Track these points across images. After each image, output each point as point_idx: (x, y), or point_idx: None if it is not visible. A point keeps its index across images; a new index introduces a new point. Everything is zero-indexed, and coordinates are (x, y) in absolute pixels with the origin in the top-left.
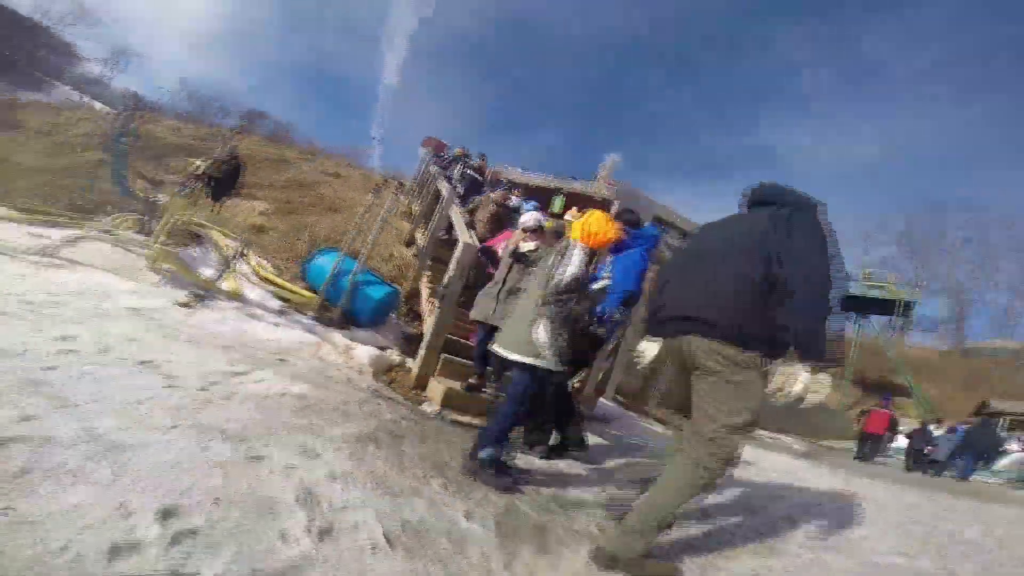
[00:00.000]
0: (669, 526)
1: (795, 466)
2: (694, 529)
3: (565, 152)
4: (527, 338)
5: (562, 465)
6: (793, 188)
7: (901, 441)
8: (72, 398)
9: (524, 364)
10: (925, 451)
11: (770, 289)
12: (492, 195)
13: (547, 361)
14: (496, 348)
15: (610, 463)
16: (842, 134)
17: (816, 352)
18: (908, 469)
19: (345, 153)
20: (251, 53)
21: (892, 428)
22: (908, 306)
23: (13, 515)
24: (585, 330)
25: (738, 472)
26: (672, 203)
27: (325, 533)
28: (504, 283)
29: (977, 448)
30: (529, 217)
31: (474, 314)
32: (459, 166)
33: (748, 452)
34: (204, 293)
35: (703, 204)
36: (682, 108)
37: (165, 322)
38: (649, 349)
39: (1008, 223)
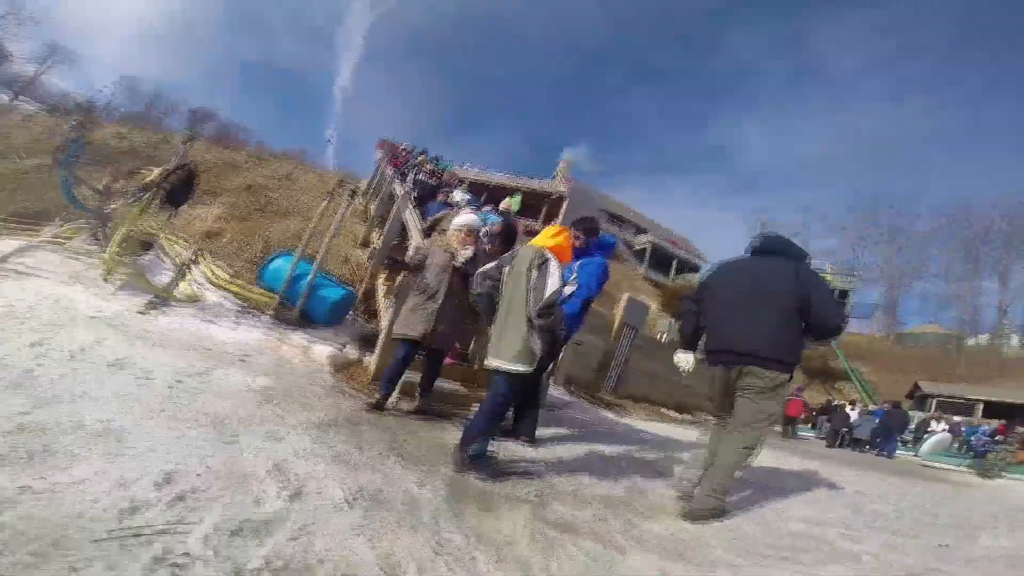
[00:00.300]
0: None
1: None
2: (622, 493)
3: (524, 150)
4: (526, 348)
5: (510, 444)
6: (791, 240)
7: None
8: (59, 396)
9: (518, 372)
10: (842, 431)
11: (801, 323)
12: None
13: (534, 366)
14: (494, 362)
15: (556, 445)
16: (788, 132)
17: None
18: (829, 446)
19: (298, 154)
20: (198, 52)
21: (807, 410)
22: (844, 294)
23: (30, 492)
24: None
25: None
26: (626, 199)
27: (295, 496)
28: (444, 298)
29: (892, 428)
30: (466, 221)
31: (404, 331)
32: (412, 172)
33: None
34: (161, 299)
35: (656, 199)
36: (638, 107)
37: (128, 327)
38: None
39: (937, 214)
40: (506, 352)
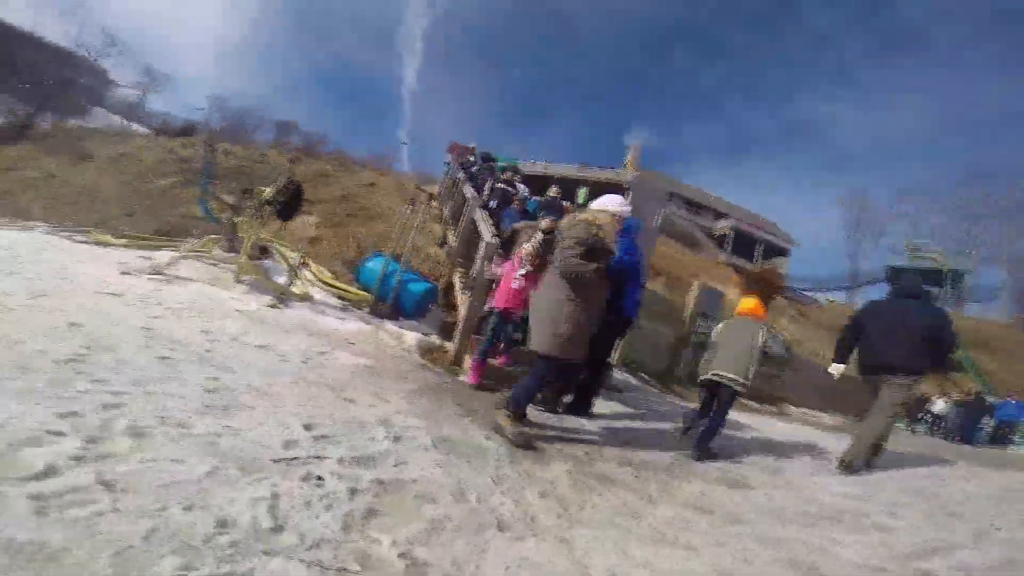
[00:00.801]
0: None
1: (801, 432)
2: (667, 460)
3: (592, 141)
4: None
5: (570, 418)
6: (928, 289)
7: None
8: (231, 368)
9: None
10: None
11: (931, 347)
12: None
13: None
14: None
15: (614, 420)
16: (882, 105)
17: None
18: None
19: (377, 161)
20: (273, 64)
21: None
22: (958, 277)
23: (229, 431)
24: None
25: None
26: (705, 183)
27: (397, 439)
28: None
29: (972, 418)
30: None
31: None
32: (490, 181)
33: (756, 420)
34: (282, 297)
35: (740, 182)
36: (711, 87)
37: (264, 319)
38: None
39: None
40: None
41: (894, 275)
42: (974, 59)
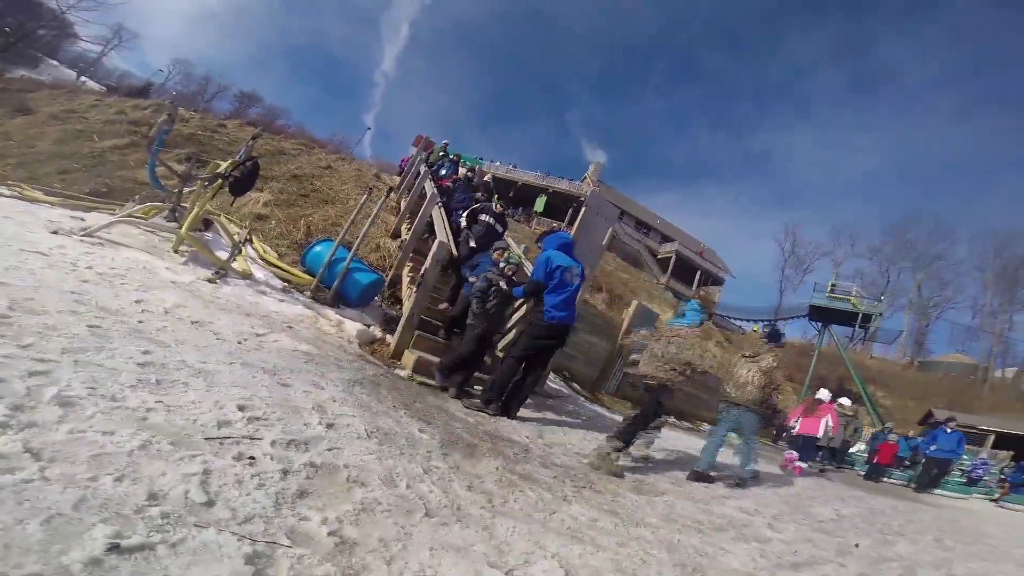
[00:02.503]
0: None
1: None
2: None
3: (558, 148)
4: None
5: (503, 419)
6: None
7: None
8: (164, 343)
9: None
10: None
11: None
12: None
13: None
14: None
15: (543, 425)
16: (840, 144)
17: None
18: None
19: (338, 144)
20: (250, 33)
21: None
22: (868, 319)
23: (163, 406)
24: None
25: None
26: (659, 204)
27: (330, 426)
28: None
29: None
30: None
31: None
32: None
33: (672, 435)
34: (222, 272)
35: (691, 205)
36: (681, 108)
37: (201, 293)
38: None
39: (976, 242)
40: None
41: (813, 312)
42: (938, 105)
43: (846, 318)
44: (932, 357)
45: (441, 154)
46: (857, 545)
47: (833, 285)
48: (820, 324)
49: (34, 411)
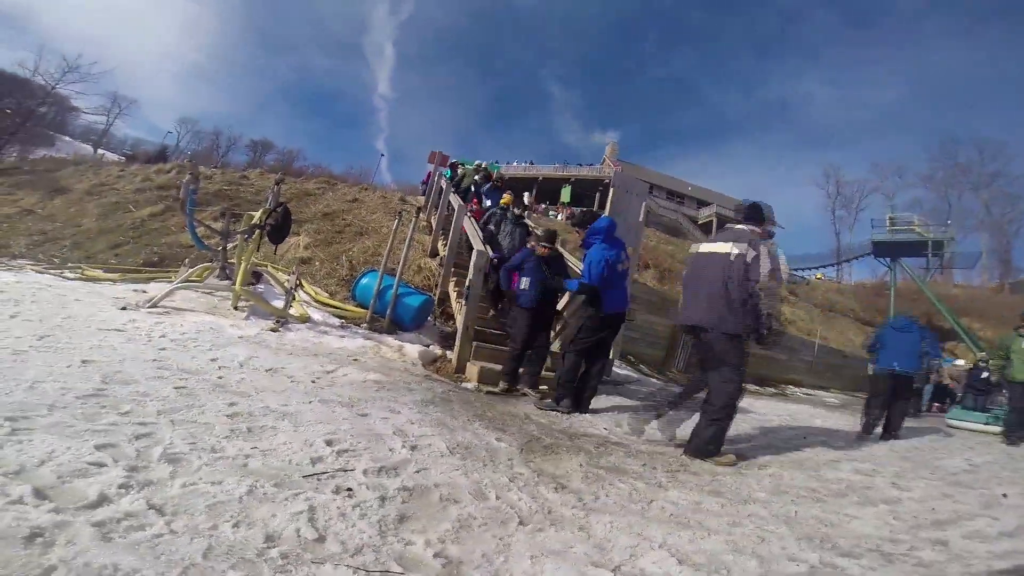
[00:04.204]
0: None
1: (805, 412)
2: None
3: (567, 136)
4: None
5: (575, 414)
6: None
7: None
8: (246, 392)
9: None
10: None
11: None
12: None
13: None
14: None
15: (617, 413)
16: (853, 80)
17: None
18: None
19: (358, 175)
20: (237, 82)
21: None
22: (940, 245)
23: (258, 451)
24: None
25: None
26: (686, 172)
27: (414, 448)
28: None
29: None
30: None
31: None
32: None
33: (759, 403)
34: (282, 320)
35: (722, 166)
36: (683, 71)
37: (268, 343)
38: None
39: None
40: None
41: (877, 248)
42: (933, 29)
43: (915, 249)
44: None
45: (478, 178)
46: (1005, 495)
47: (892, 218)
48: (888, 260)
49: (148, 470)
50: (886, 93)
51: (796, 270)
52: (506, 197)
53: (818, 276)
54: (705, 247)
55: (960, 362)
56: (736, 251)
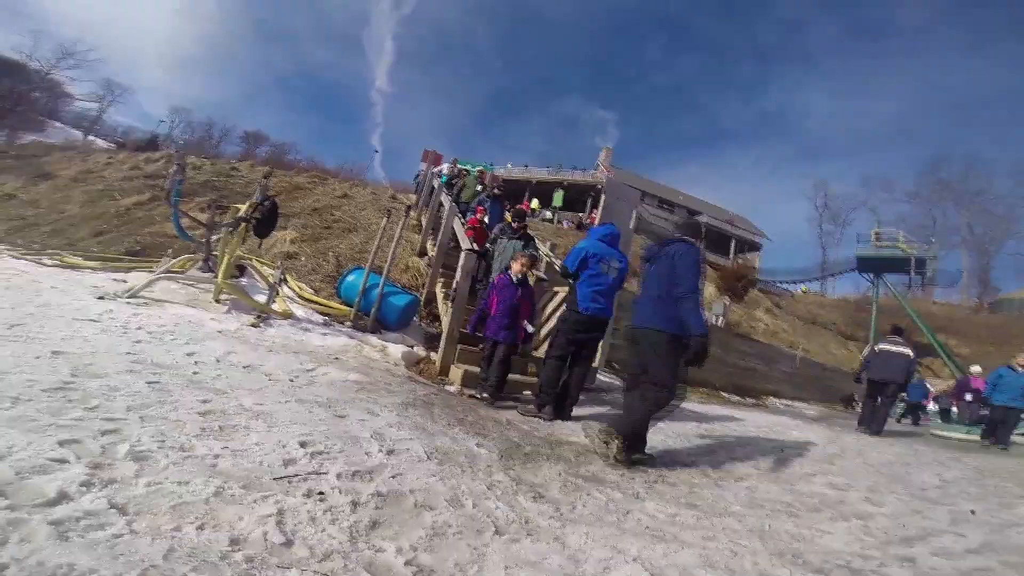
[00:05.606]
0: None
1: (782, 423)
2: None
3: (564, 138)
4: None
5: (556, 422)
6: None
7: None
8: (221, 390)
9: None
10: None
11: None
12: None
13: None
14: None
15: (597, 422)
16: (851, 92)
17: None
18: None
19: (350, 171)
20: (234, 71)
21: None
22: (922, 263)
23: (229, 451)
24: None
25: (725, 426)
26: (679, 180)
27: (390, 452)
28: None
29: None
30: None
31: None
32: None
33: (739, 413)
34: (264, 315)
35: (715, 175)
36: (683, 79)
37: (247, 338)
38: None
39: (1018, 171)
40: None
41: (861, 263)
42: (934, 44)
43: (898, 265)
44: (1002, 295)
45: (480, 188)
46: (973, 512)
47: (877, 233)
48: (872, 275)
49: (112, 468)
50: (884, 105)
51: (782, 283)
52: (507, 216)
53: (803, 289)
54: None
55: (976, 368)
56: None
